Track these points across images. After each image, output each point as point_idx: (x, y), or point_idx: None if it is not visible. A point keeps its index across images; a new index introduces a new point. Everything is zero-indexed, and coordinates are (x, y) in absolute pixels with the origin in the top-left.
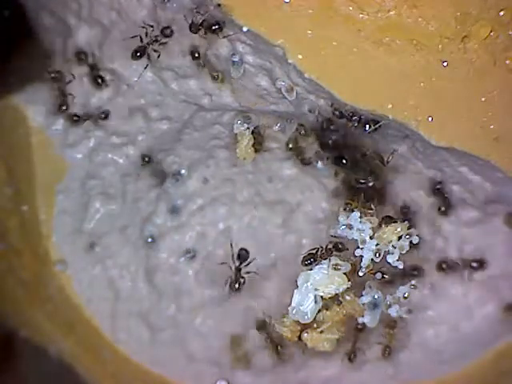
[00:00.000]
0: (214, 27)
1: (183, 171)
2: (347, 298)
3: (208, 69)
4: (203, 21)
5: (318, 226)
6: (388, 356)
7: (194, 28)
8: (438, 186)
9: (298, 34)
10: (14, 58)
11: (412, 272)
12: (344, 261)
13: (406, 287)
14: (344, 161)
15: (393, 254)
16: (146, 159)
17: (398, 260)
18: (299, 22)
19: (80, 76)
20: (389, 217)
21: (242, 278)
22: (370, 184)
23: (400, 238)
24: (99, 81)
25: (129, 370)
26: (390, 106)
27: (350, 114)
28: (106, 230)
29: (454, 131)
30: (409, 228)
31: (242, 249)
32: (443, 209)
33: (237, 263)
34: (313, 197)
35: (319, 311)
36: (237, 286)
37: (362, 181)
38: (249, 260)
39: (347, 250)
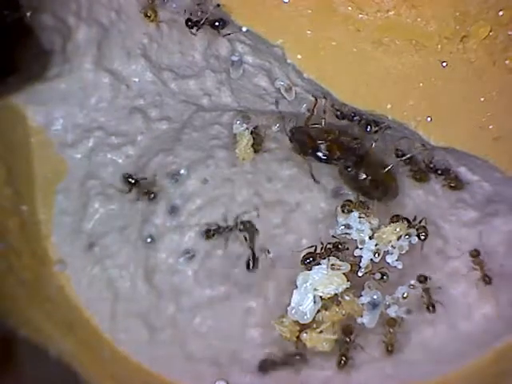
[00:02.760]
0: (216, 23)
1: (183, 171)
2: (346, 298)
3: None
4: (206, 18)
5: (317, 226)
6: (390, 354)
7: (190, 23)
8: (431, 165)
9: (298, 34)
10: (13, 58)
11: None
12: (343, 261)
13: (406, 287)
14: (319, 154)
15: (392, 254)
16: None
17: (397, 260)
18: (299, 22)
19: None
20: (397, 216)
21: None
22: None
23: (399, 238)
24: (151, 196)
25: (128, 370)
26: (389, 106)
27: (352, 115)
28: (106, 230)
29: (453, 131)
30: (408, 228)
31: None
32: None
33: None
34: (312, 197)
35: (318, 311)
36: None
37: (349, 169)
38: None
39: (347, 249)
